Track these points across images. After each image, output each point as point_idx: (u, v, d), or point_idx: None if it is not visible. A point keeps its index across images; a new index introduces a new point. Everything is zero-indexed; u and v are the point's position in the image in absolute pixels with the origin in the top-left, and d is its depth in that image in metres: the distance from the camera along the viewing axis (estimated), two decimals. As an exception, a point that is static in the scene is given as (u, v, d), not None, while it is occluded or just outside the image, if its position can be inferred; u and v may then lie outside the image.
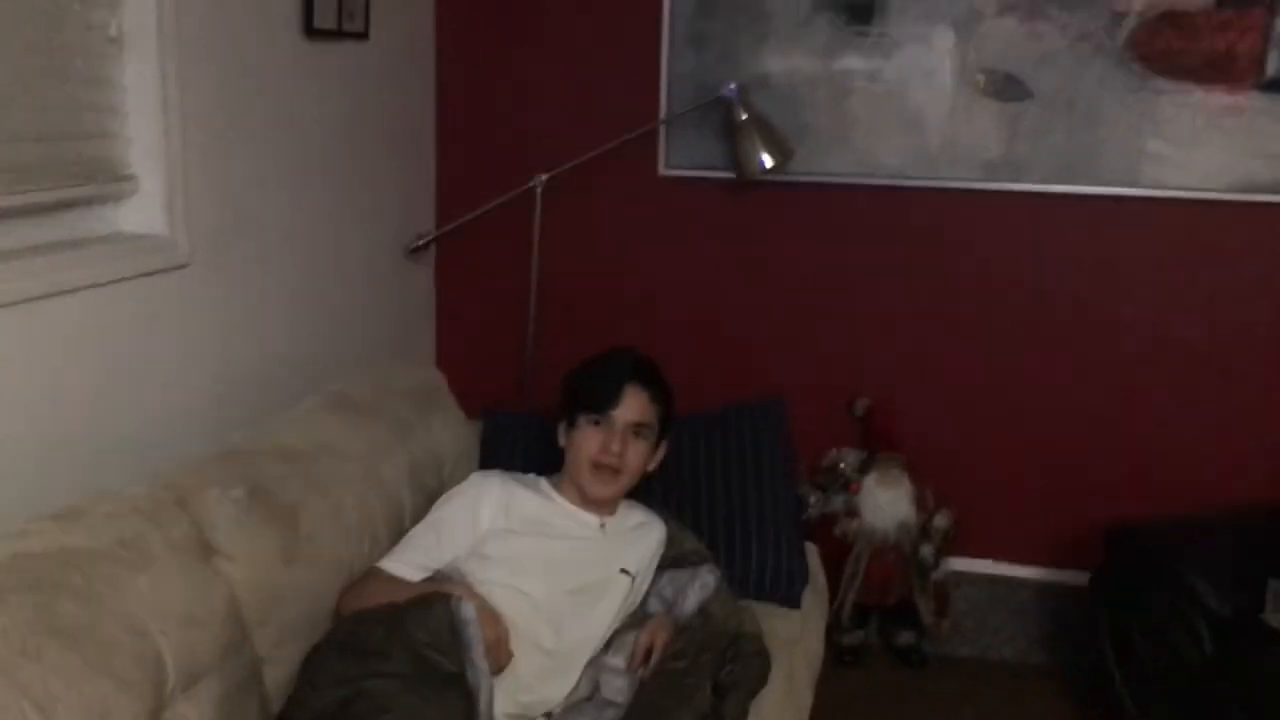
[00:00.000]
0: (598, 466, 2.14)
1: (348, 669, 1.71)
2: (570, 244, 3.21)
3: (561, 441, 2.23)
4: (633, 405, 2.16)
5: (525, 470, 2.30)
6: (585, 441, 2.15)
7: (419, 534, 2.11)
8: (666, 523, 2.29)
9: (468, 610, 1.78)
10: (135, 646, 1.51)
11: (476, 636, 1.77)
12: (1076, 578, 3.02)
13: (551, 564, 2.05)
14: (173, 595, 1.61)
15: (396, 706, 1.65)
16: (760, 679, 2.04)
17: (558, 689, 2.00)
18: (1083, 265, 2.99)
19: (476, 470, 2.32)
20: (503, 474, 2.22)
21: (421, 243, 3.14)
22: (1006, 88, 2.91)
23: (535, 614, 1.99)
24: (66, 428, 1.93)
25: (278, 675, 1.82)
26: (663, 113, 3.08)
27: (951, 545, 3.05)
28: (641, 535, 2.21)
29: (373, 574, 2.03)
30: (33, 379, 1.85)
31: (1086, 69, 2.85)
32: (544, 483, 2.23)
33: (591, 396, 2.18)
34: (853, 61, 2.97)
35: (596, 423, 2.15)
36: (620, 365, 2.20)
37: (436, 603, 1.79)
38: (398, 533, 2.17)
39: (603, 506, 2.19)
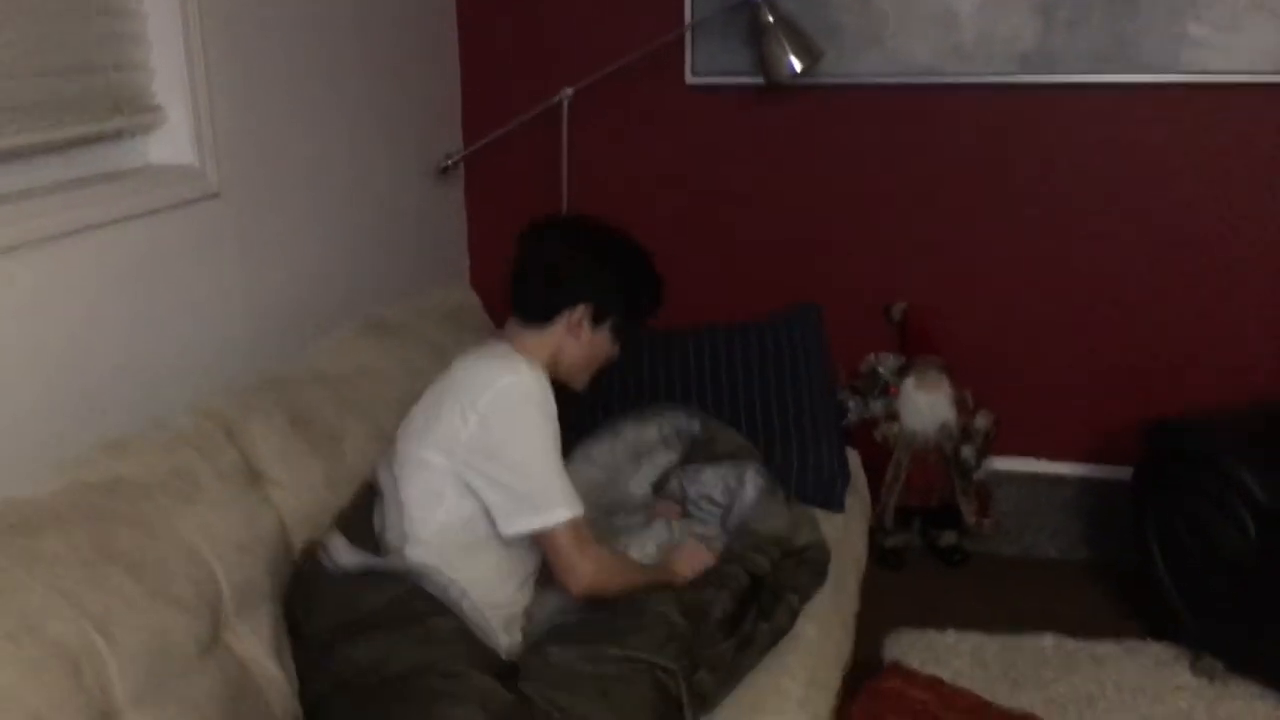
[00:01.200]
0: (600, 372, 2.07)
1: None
2: (599, 157, 3.19)
3: (568, 325, 1.96)
4: None
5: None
6: (607, 347, 2.03)
7: (558, 463, 1.86)
8: (700, 421, 2.38)
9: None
10: (191, 571, 1.56)
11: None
12: (1118, 473, 3.01)
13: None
14: (224, 522, 1.65)
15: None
16: (817, 583, 2.06)
17: None
18: (1121, 157, 2.93)
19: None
20: (537, 385, 1.87)
21: (450, 162, 3.12)
22: (1041, -24, 2.82)
23: None
24: (106, 360, 1.95)
25: (330, 595, 1.86)
26: (688, 18, 3.02)
27: (992, 445, 3.05)
28: None
29: (584, 540, 1.83)
30: (71, 313, 1.87)
31: (1124, -48, 2.76)
32: (525, 364, 1.88)
33: (650, 311, 2.05)
34: (881, -44, 2.89)
35: (620, 331, 2.03)
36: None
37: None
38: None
39: None
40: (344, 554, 1.76)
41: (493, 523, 1.83)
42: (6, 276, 1.73)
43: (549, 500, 1.81)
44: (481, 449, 1.81)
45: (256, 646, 1.65)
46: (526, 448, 1.82)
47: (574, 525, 1.81)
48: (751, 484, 2.21)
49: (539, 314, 1.96)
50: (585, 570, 1.80)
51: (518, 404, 1.83)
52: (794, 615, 1.96)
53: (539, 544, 1.85)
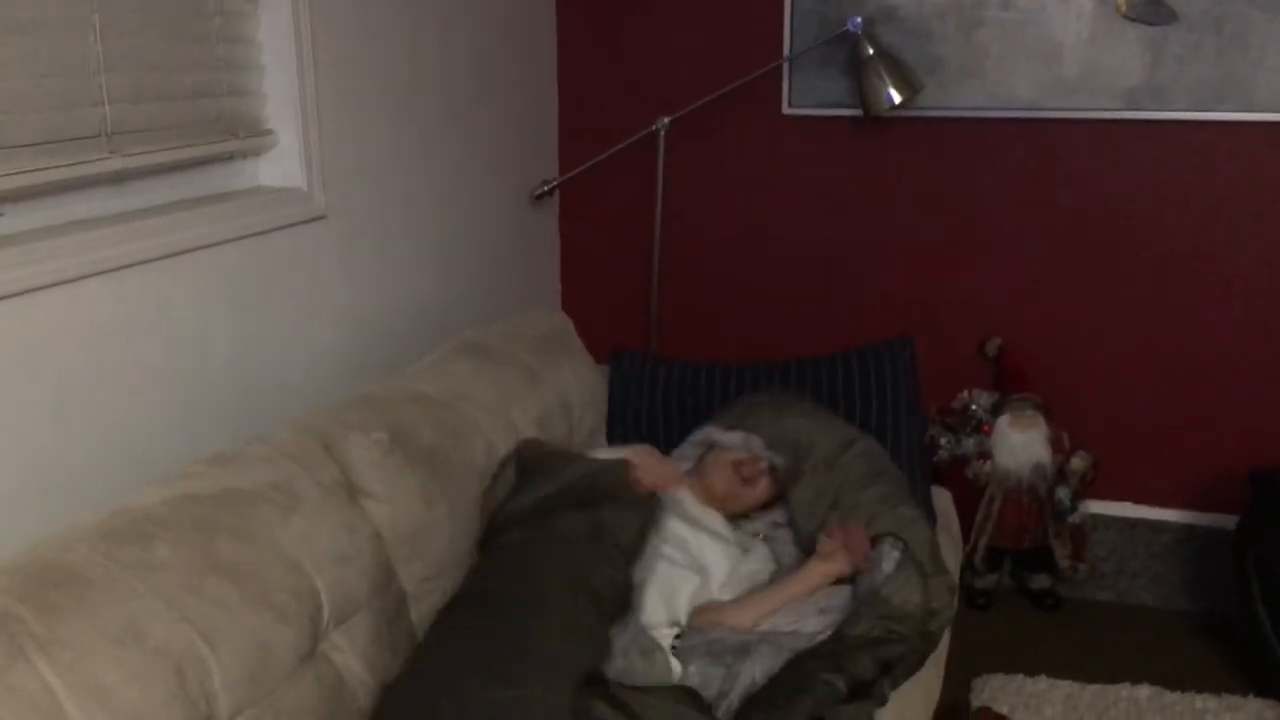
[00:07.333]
0: None
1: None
2: (694, 186, 3.20)
3: None
4: None
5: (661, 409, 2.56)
6: None
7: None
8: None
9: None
10: (292, 582, 1.58)
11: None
12: (1220, 521, 2.92)
13: None
14: (324, 534, 1.68)
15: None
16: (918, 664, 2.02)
17: None
18: (1232, 197, 2.85)
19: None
20: None
21: (546, 189, 3.16)
22: (1150, 10, 2.77)
23: None
24: (212, 375, 2.01)
25: (423, 610, 1.88)
26: (786, 50, 3.03)
27: (1089, 488, 2.98)
28: None
29: None
30: (180, 328, 1.93)
31: (1237, -13, 2.70)
32: None
33: None
34: (984, -11, 2.87)
35: None
36: None
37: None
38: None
39: None
40: None
41: None
42: (124, 291, 1.79)
43: None
44: None
45: (353, 657, 1.67)
46: None
47: None
48: (888, 557, 2.12)
49: None
50: None
51: None
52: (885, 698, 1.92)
53: None
